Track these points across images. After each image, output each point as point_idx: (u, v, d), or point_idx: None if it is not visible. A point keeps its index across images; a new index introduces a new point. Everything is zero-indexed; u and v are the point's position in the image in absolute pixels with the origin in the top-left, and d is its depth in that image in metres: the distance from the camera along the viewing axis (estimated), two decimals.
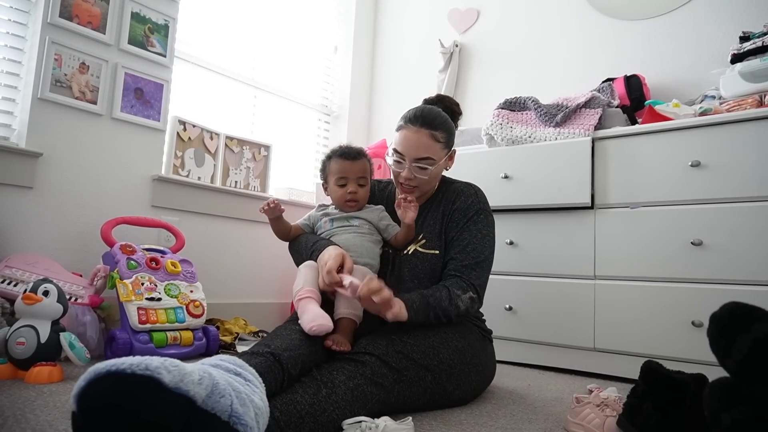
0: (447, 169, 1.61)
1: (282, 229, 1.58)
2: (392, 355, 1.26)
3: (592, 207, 2.07)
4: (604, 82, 2.45)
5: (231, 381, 0.83)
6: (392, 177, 1.59)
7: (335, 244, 1.45)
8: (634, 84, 2.35)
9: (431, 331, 1.38)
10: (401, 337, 1.32)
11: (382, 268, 1.53)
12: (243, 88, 2.97)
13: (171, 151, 2.46)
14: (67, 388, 1.37)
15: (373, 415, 1.11)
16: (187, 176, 2.52)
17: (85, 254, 2.08)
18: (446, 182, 1.64)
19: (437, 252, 1.51)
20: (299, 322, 1.26)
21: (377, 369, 1.21)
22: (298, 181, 3.23)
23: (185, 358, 1.91)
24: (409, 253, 1.53)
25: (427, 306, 1.35)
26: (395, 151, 1.50)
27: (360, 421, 1.07)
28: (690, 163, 1.86)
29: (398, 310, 1.25)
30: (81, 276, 1.98)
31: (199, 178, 2.58)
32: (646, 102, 2.16)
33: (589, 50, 2.71)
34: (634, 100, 2.30)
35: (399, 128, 1.51)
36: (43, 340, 1.48)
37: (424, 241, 1.53)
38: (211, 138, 2.65)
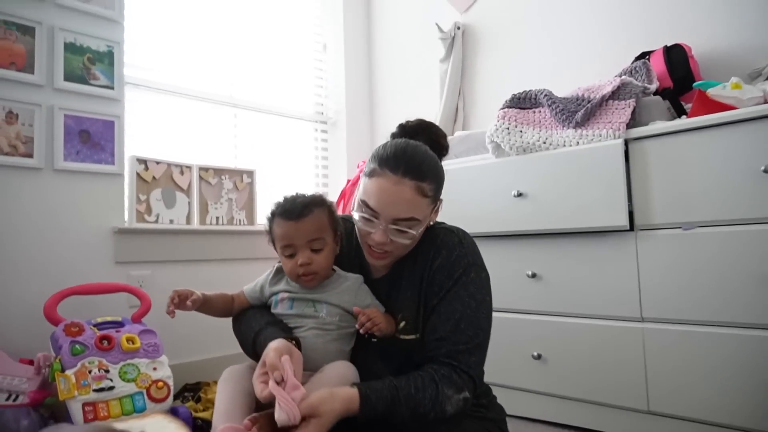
0: (430, 224, 1.19)
1: (215, 308, 1.21)
2: None
3: (631, 229, 1.62)
4: (637, 58, 1.95)
5: None
6: (357, 233, 1.18)
7: (285, 335, 1.08)
8: (676, 57, 1.85)
9: None
10: None
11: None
12: (219, 109, 2.63)
13: (132, 196, 2.16)
14: None
15: None
16: (156, 221, 2.22)
17: (38, 335, 1.81)
18: (426, 230, 1.22)
19: (416, 337, 1.12)
20: None
21: None
22: None
23: None
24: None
25: (393, 403, 0.97)
26: (364, 204, 1.08)
27: None
28: (764, 168, 1.38)
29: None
30: (32, 363, 1.72)
31: (171, 221, 2.27)
32: (695, 84, 1.66)
33: (619, 15, 2.19)
34: (679, 80, 1.80)
35: (371, 173, 1.08)
36: None
37: (404, 323, 1.14)
38: (182, 173, 2.34)
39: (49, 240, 1.92)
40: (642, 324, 1.59)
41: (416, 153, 1.08)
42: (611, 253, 1.65)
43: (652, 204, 1.58)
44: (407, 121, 1.24)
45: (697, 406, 1.49)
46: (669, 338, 1.54)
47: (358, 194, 1.12)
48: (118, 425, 0.58)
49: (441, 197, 1.15)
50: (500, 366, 1.85)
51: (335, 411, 0.90)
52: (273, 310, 1.18)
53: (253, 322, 1.15)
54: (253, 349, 1.10)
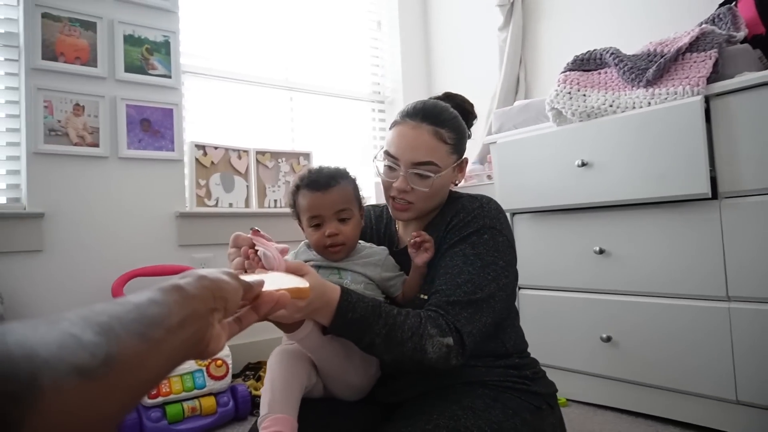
0: (455, 184, 1.16)
1: None
2: None
3: (714, 197, 1.43)
4: (721, 5, 1.72)
5: None
6: (384, 193, 1.17)
7: None
8: None
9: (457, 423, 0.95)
10: None
11: None
12: (275, 92, 2.65)
13: (192, 181, 2.22)
14: None
15: None
16: (216, 205, 2.27)
17: None
18: (452, 199, 1.18)
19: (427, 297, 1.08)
20: None
21: None
22: None
23: (210, 429, 1.67)
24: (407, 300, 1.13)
25: (373, 313, 0.92)
26: (386, 153, 1.10)
27: None
28: None
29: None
30: None
31: (230, 205, 2.32)
32: None
33: None
34: None
35: (393, 125, 1.13)
36: None
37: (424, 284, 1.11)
38: (239, 157, 2.37)
39: (116, 225, 2.01)
40: (728, 304, 1.41)
41: (436, 105, 1.12)
42: (691, 224, 1.47)
43: (739, 168, 1.39)
44: (435, 95, 1.29)
45: None
46: (760, 319, 1.35)
47: (380, 148, 1.15)
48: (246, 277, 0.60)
49: (465, 156, 1.15)
50: (565, 348, 1.73)
51: (318, 283, 0.86)
52: None
53: None
54: None
